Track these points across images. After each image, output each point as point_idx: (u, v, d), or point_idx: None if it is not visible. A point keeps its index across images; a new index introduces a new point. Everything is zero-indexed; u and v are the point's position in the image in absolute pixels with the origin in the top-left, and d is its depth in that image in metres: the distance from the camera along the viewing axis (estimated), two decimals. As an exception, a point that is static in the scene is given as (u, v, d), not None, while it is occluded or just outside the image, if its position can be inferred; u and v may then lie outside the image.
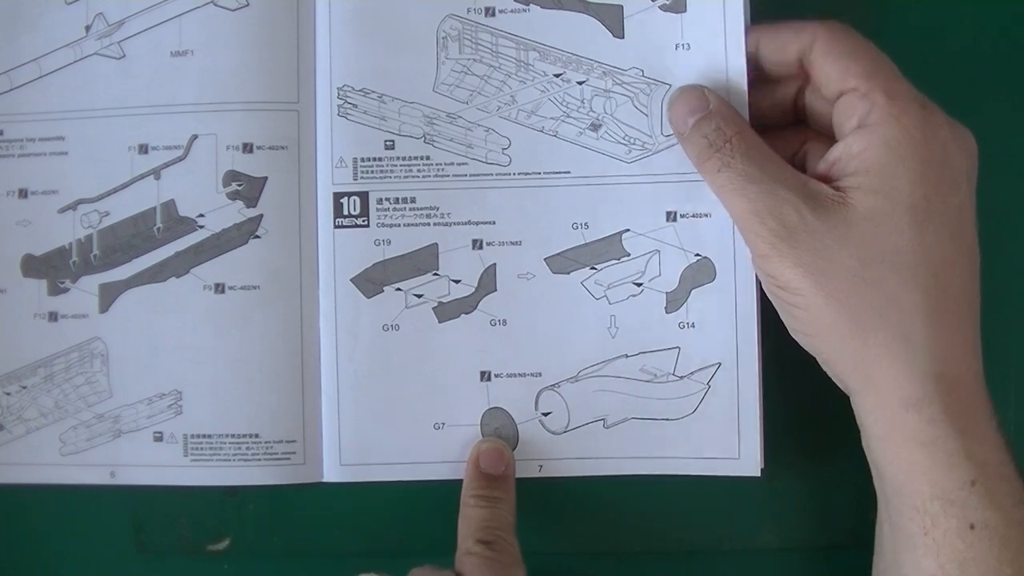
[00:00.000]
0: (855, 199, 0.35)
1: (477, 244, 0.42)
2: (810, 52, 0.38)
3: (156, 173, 0.42)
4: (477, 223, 0.42)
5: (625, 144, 0.41)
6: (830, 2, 0.43)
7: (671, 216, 0.41)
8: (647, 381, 0.41)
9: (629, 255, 0.41)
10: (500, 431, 0.41)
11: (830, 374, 0.37)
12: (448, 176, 0.42)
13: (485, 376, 0.42)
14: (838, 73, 0.37)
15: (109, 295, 0.42)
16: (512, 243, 0.42)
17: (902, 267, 0.35)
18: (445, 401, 0.42)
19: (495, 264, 0.42)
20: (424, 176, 0.42)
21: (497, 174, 0.42)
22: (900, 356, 0.35)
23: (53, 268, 0.42)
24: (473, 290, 0.42)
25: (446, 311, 0.42)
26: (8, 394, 0.42)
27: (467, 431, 0.41)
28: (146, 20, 0.42)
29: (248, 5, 0.42)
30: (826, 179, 0.37)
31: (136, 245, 0.42)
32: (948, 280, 0.35)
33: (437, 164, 0.42)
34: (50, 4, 0.43)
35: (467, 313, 0.42)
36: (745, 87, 0.40)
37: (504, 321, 0.42)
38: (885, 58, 0.37)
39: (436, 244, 0.42)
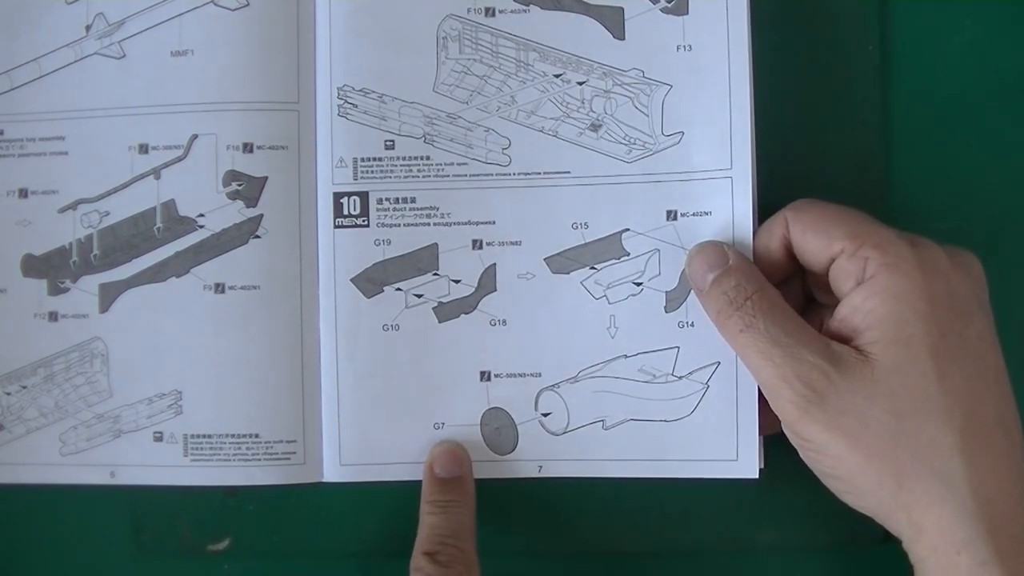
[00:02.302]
0: (875, 353, 0.35)
1: (477, 244, 0.42)
2: (789, 238, 0.38)
3: (156, 173, 0.42)
4: (477, 223, 0.42)
5: (625, 144, 0.41)
6: (832, 1, 0.43)
7: (671, 215, 0.41)
8: (646, 382, 0.41)
9: (629, 255, 0.41)
10: (500, 431, 0.41)
11: (879, 522, 0.36)
12: (448, 176, 0.42)
13: (485, 376, 0.42)
14: (821, 244, 0.37)
15: (109, 295, 0.42)
16: (512, 243, 0.42)
17: (934, 412, 0.34)
18: (445, 401, 0.42)
19: (495, 264, 0.42)
20: (424, 176, 0.42)
21: (497, 174, 0.42)
22: (945, 500, 0.34)
23: (53, 268, 0.42)
24: (473, 290, 0.42)
25: (446, 311, 0.42)
26: (8, 394, 0.42)
27: (467, 431, 0.41)
28: (146, 20, 0.42)
29: (248, 5, 0.42)
30: (839, 337, 0.36)
31: (136, 245, 0.42)
32: (981, 415, 0.35)
33: (437, 164, 0.42)
34: (51, 4, 0.43)
35: (467, 313, 0.42)
36: (749, 91, 0.40)
37: (504, 321, 0.42)
38: (860, 213, 0.38)
39: (436, 244, 0.42)
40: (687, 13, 0.41)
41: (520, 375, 0.41)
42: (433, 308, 0.42)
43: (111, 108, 0.42)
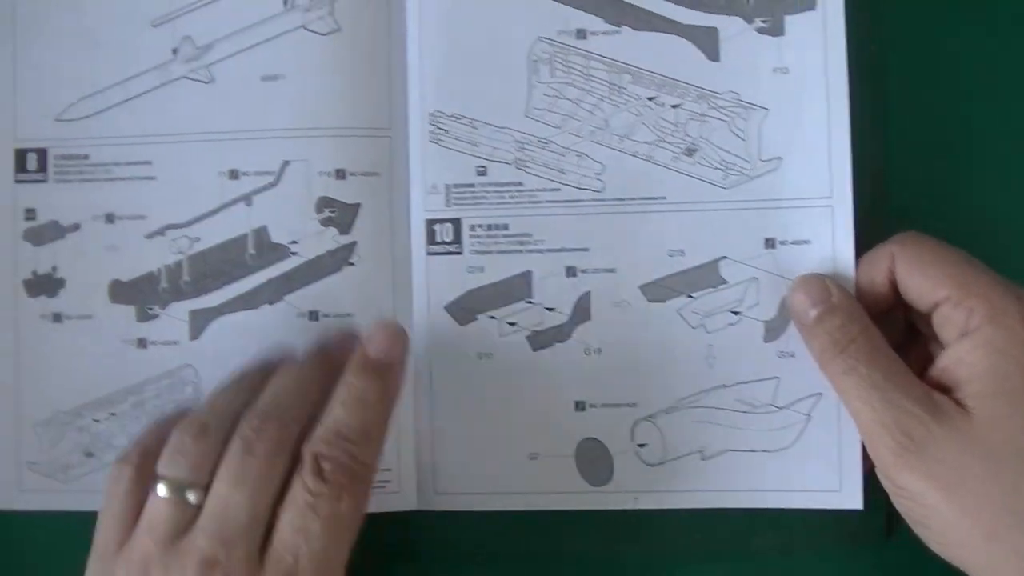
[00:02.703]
0: (975, 406, 0.35)
1: (571, 271, 0.41)
2: (894, 273, 0.38)
3: (247, 199, 0.42)
4: (571, 250, 0.41)
5: (722, 169, 0.41)
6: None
7: (770, 243, 0.41)
8: (745, 412, 0.40)
9: (726, 283, 0.41)
10: (595, 462, 0.41)
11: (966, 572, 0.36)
12: (541, 202, 0.41)
13: (580, 406, 0.41)
14: (927, 287, 0.37)
15: (200, 322, 0.42)
16: (607, 270, 0.41)
17: None
18: (539, 430, 0.41)
19: (589, 292, 0.41)
20: (517, 202, 0.42)
21: (591, 200, 0.41)
22: None
23: (142, 294, 0.42)
24: (567, 318, 0.41)
25: (540, 339, 0.41)
26: (97, 421, 0.42)
27: (562, 461, 0.41)
28: (235, 44, 0.42)
29: (340, 30, 0.41)
30: (941, 387, 0.36)
31: (227, 271, 0.42)
32: None
33: (530, 190, 0.42)
34: (135, 26, 0.42)
35: (561, 342, 0.41)
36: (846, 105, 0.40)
37: (599, 350, 0.41)
38: (965, 255, 0.37)
39: (530, 271, 0.41)
40: (783, 34, 0.41)
41: (615, 405, 0.41)
42: (527, 336, 0.41)
43: (200, 132, 0.42)
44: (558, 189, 0.42)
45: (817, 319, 0.38)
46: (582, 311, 0.41)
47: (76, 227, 0.42)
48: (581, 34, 0.42)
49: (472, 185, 0.42)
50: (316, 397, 0.38)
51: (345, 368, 0.38)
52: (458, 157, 0.42)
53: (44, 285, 0.42)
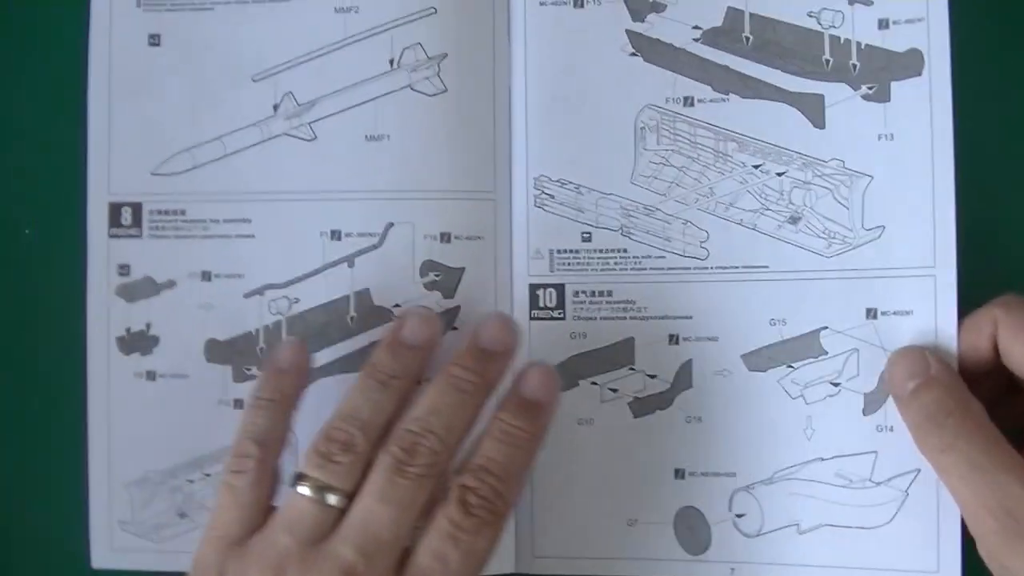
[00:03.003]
0: None
1: (674, 339, 0.41)
2: (997, 338, 0.37)
3: (350, 261, 0.41)
4: (674, 318, 0.41)
5: (825, 238, 0.41)
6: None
7: (871, 313, 0.41)
8: (843, 486, 0.41)
9: (827, 353, 0.41)
10: (693, 530, 0.41)
11: None
12: (646, 269, 0.41)
13: (679, 474, 0.41)
14: None
15: (308, 385, 0.41)
16: (709, 339, 0.41)
17: None
18: (638, 497, 0.41)
19: (691, 360, 0.41)
20: (621, 269, 0.41)
21: (695, 268, 0.41)
22: None
23: (238, 354, 0.42)
24: (669, 386, 0.41)
25: (641, 406, 0.42)
26: (191, 481, 0.42)
27: (660, 529, 0.41)
28: (339, 102, 0.41)
29: (446, 91, 0.41)
30: None
31: (328, 334, 0.41)
32: None
33: (634, 257, 0.42)
34: (235, 80, 0.42)
35: (662, 409, 0.41)
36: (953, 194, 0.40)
37: (699, 418, 0.41)
38: None
39: (632, 338, 0.41)
40: (889, 100, 0.41)
41: (715, 474, 0.41)
42: (628, 403, 0.41)
43: (301, 191, 0.41)
44: (663, 256, 0.41)
45: (913, 393, 0.38)
46: (684, 379, 0.41)
47: (171, 284, 0.42)
48: (688, 101, 0.42)
49: (577, 251, 0.42)
50: (471, 424, 0.37)
51: (499, 404, 0.38)
52: (563, 223, 0.41)
53: (138, 343, 0.42)
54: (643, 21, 0.42)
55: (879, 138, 0.41)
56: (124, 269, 0.42)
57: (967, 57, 0.41)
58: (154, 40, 0.42)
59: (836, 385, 0.41)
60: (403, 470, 0.35)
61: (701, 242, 0.42)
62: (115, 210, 0.42)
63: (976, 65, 0.41)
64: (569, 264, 0.42)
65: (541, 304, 0.42)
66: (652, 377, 0.42)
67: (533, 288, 0.42)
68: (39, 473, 0.44)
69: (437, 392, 0.37)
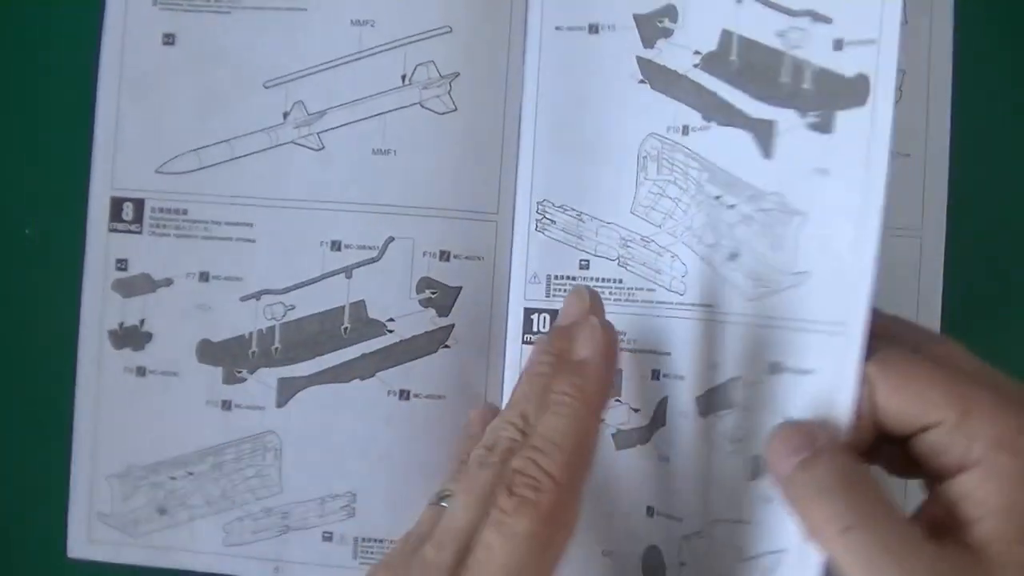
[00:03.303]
0: (995, 551, 0.30)
1: (655, 375, 0.41)
2: (873, 399, 0.32)
3: (348, 272, 0.41)
4: (658, 353, 0.41)
5: (752, 279, 0.38)
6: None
7: (775, 368, 0.35)
8: (734, 555, 0.37)
9: (735, 406, 0.37)
10: (656, 570, 0.41)
11: None
12: (637, 301, 0.42)
13: (650, 512, 0.41)
14: (915, 411, 0.31)
15: (288, 390, 0.42)
16: (678, 377, 0.40)
17: None
18: (614, 530, 0.41)
19: (666, 397, 0.41)
20: (616, 300, 0.42)
21: (676, 303, 0.41)
22: None
23: (230, 356, 0.42)
24: (648, 421, 0.41)
25: (623, 439, 0.42)
26: (174, 479, 0.42)
27: (631, 562, 0.41)
28: (349, 114, 0.41)
29: (456, 110, 0.41)
30: (942, 525, 0.31)
31: (321, 343, 0.41)
32: None
33: (628, 288, 0.42)
34: (247, 85, 0.42)
35: (641, 444, 0.41)
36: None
37: (667, 458, 0.41)
38: (962, 373, 0.31)
39: (621, 370, 0.42)
40: (831, 131, 0.34)
41: (669, 517, 0.40)
42: (612, 435, 0.42)
43: (305, 200, 0.42)
44: (653, 289, 0.41)
45: (802, 465, 0.32)
46: (660, 416, 0.41)
47: (168, 282, 0.42)
48: (685, 130, 0.41)
49: (574, 278, 0.42)
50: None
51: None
52: (562, 249, 0.42)
53: (130, 337, 0.42)
54: (653, 47, 0.41)
55: (816, 173, 0.34)
56: (122, 264, 0.42)
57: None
58: (168, 39, 0.42)
59: (738, 442, 0.38)
60: (483, 463, 0.33)
61: (681, 277, 0.41)
62: (117, 205, 0.42)
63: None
64: (565, 290, 0.42)
65: (535, 329, 0.42)
66: (636, 411, 0.42)
67: (528, 312, 0.42)
68: (22, 461, 0.44)
69: (519, 384, 0.35)
